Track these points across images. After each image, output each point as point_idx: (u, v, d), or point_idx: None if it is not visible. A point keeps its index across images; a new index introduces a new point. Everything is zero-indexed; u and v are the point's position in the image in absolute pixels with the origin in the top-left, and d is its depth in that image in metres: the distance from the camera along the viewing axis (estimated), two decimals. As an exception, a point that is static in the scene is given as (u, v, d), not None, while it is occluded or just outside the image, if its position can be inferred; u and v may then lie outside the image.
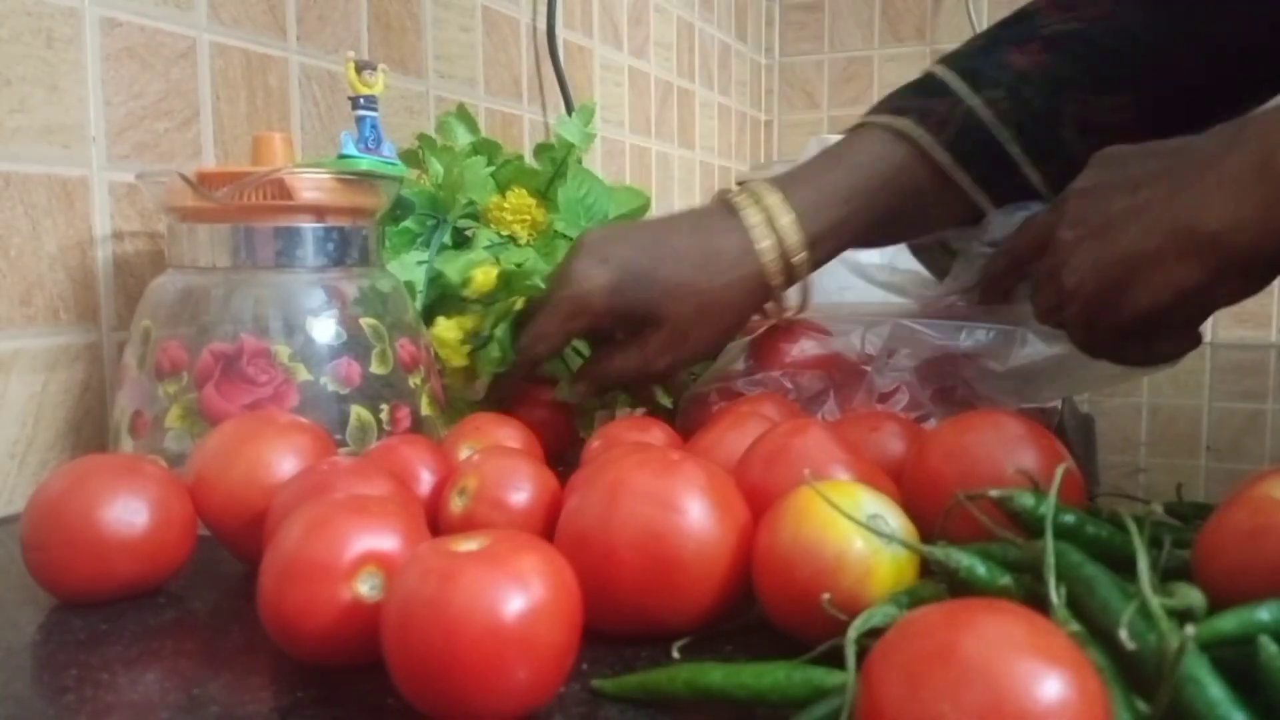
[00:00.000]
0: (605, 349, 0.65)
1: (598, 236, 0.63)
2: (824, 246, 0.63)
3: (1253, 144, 0.45)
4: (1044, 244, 0.56)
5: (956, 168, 0.63)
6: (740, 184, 0.66)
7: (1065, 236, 0.53)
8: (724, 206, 0.63)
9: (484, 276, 0.69)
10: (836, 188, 0.63)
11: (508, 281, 0.68)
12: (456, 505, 0.45)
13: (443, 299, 0.70)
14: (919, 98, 0.65)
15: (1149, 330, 0.51)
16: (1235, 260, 0.46)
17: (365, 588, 0.35)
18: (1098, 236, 0.51)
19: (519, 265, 0.72)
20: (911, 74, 0.69)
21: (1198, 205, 0.46)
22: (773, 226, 0.61)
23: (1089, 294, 0.51)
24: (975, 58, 0.65)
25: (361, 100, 0.65)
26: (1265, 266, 0.46)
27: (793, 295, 0.69)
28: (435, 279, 0.70)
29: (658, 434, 0.56)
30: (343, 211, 0.57)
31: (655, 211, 0.87)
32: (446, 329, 0.68)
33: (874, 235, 0.66)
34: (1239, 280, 0.47)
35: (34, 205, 0.59)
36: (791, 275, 0.63)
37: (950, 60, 0.66)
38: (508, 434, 0.56)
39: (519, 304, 0.68)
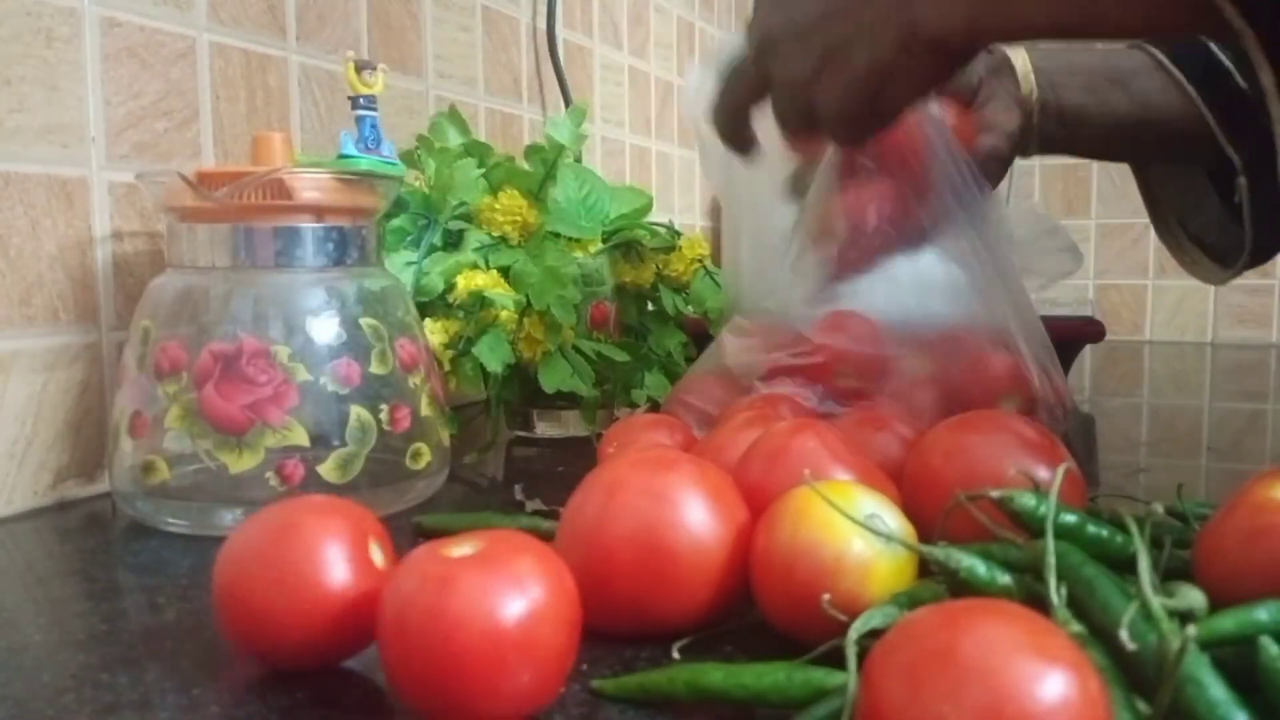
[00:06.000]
0: None
1: None
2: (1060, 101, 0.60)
3: None
4: (760, 81, 0.53)
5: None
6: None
7: (782, 33, 0.50)
8: None
9: (465, 282, 0.69)
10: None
11: (481, 297, 0.69)
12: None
13: (430, 300, 0.70)
14: None
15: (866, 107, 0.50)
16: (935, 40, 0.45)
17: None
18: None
19: (508, 267, 0.72)
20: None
21: None
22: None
23: (825, 49, 0.48)
24: None
25: (361, 100, 0.65)
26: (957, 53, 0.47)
27: None
28: (420, 281, 0.70)
29: (669, 432, 0.56)
30: (342, 211, 0.57)
31: (656, 213, 0.88)
32: (431, 332, 0.68)
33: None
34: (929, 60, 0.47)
35: (33, 205, 0.59)
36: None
37: None
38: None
39: (497, 316, 0.69)
